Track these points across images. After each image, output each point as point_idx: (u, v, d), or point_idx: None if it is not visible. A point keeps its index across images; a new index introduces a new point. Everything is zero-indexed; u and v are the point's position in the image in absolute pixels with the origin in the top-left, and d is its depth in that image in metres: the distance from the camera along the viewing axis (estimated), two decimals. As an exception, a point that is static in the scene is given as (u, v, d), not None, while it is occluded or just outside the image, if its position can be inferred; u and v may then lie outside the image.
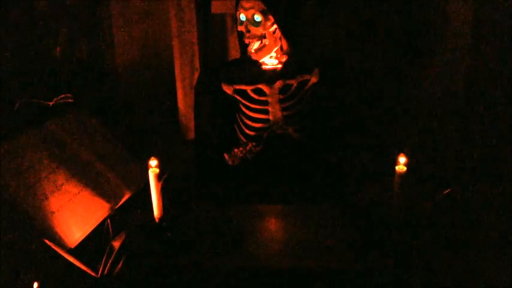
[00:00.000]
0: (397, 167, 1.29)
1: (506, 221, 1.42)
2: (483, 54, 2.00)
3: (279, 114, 1.72)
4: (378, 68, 2.13)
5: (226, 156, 1.73)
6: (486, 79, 2.02)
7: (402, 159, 1.29)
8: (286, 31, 1.66)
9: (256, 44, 1.66)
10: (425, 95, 2.11)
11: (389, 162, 1.32)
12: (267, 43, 1.67)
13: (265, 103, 1.72)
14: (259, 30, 1.65)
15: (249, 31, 1.66)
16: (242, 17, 1.66)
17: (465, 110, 2.06)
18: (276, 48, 1.70)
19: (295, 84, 1.72)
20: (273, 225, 1.47)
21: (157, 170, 1.34)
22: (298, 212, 1.50)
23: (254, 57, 1.69)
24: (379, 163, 1.66)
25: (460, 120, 2.06)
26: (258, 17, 1.64)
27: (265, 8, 1.63)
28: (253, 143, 1.73)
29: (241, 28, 1.68)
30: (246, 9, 1.65)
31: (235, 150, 1.74)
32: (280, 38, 1.69)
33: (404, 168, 1.28)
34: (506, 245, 1.34)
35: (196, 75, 2.08)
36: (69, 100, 1.73)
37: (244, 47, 1.73)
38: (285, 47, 1.70)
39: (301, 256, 1.31)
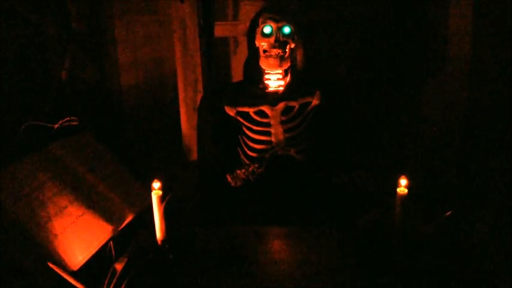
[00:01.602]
0: (398, 189, 1.29)
1: (509, 242, 1.42)
2: (484, 74, 2.01)
3: (281, 136, 1.73)
4: (379, 89, 2.14)
5: (228, 177, 1.74)
6: (487, 99, 2.03)
7: (403, 182, 1.29)
8: (307, 49, 1.68)
9: (278, 52, 1.67)
10: (426, 117, 2.12)
11: (391, 184, 1.32)
12: (286, 56, 1.69)
13: (268, 125, 1.74)
14: (289, 42, 1.68)
15: (278, 40, 1.67)
16: (268, 29, 1.68)
17: (466, 131, 2.07)
18: (285, 68, 1.71)
19: (297, 106, 1.74)
20: (275, 247, 1.46)
21: (160, 192, 1.35)
22: (301, 234, 1.50)
23: (273, 64, 1.68)
24: (380, 185, 1.66)
25: (462, 142, 2.06)
26: (289, 29, 1.67)
27: (292, 23, 1.68)
28: (255, 165, 1.74)
29: (266, 40, 1.69)
30: (277, 21, 1.68)
31: (238, 171, 1.75)
32: (291, 58, 1.71)
33: (406, 191, 1.28)
34: (508, 267, 1.33)
35: (199, 97, 2.10)
36: (74, 123, 1.74)
37: (255, 63, 1.74)
38: (300, 65, 1.72)
39: (303, 278, 1.31)
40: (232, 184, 1.73)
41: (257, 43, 1.72)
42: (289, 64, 1.71)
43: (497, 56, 1.98)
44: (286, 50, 1.69)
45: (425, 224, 1.45)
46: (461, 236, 1.43)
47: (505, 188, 1.75)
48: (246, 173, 1.73)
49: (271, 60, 1.68)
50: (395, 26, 2.08)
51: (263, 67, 1.71)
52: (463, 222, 1.46)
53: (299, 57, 1.73)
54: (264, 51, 1.70)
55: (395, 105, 2.14)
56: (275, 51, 1.67)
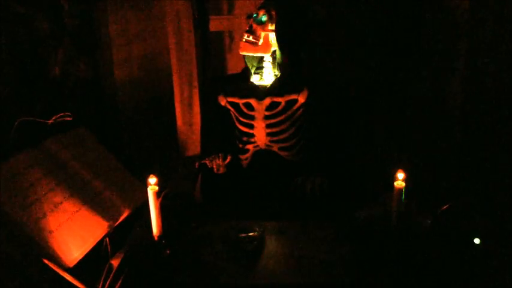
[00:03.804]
0: (395, 183, 1.29)
1: (505, 235, 1.42)
2: (481, 66, 2.01)
3: (263, 130, 1.73)
4: (375, 84, 2.14)
5: (207, 162, 1.72)
6: (485, 92, 2.03)
7: (401, 175, 1.29)
8: (282, 41, 1.69)
9: (249, 37, 1.70)
10: (422, 111, 2.12)
11: (388, 178, 1.32)
12: (259, 43, 1.70)
13: (252, 118, 1.74)
14: (259, 29, 1.70)
15: (250, 27, 1.72)
16: (254, 15, 1.74)
17: (463, 124, 2.07)
18: (267, 56, 1.72)
19: (282, 103, 1.73)
20: (271, 242, 1.46)
21: (156, 188, 1.34)
22: (297, 229, 1.50)
23: (240, 48, 1.72)
24: (377, 179, 1.66)
25: (458, 135, 2.07)
26: (264, 17, 1.70)
27: (273, 13, 1.69)
28: (222, 157, 1.71)
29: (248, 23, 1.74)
30: (258, 9, 1.73)
31: (206, 160, 1.72)
32: (275, 50, 1.71)
33: (403, 184, 1.28)
34: (504, 260, 1.33)
35: (194, 93, 2.10)
36: (68, 118, 1.73)
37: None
38: (278, 58, 1.72)
39: (299, 272, 1.31)
40: (215, 171, 1.71)
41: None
42: (264, 51, 1.71)
43: (495, 50, 1.98)
44: (258, 38, 1.70)
45: (423, 217, 1.45)
46: (458, 230, 1.43)
47: (504, 181, 1.76)
48: (212, 164, 1.71)
49: (240, 44, 1.71)
50: (392, 21, 2.08)
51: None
52: (460, 215, 1.46)
53: (277, 53, 1.73)
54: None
55: (391, 98, 2.14)
56: (244, 35, 1.70)
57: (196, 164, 1.75)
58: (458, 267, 1.31)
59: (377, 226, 1.43)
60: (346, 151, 1.84)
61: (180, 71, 2.11)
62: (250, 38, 1.70)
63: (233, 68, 2.21)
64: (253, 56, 1.74)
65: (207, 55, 2.19)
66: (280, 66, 1.73)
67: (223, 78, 1.95)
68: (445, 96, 2.08)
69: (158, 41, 2.28)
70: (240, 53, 1.73)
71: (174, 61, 2.11)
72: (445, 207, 1.46)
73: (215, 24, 2.12)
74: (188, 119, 2.13)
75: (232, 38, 2.22)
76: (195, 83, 2.11)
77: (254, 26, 1.71)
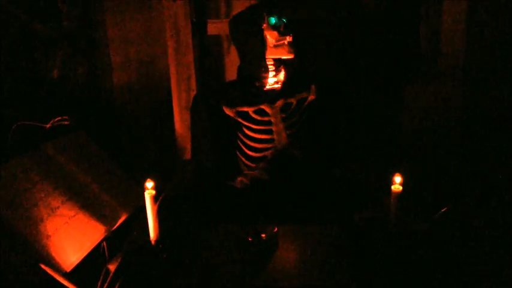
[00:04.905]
0: (393, 187, 1.29)
1: (504, 239, 1.42)
2: (479, 71, 2.01)
3: (283, 133, 1.73)
4: (374, 87, 2.14)
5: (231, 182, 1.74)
6: (484, 93, 2.03)
7: (398, 179, 1.29)
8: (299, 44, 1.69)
9: (291, 39, 1.67)
10: (421, 114, 2.12)
11: (386, 181, 1.32)
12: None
13: (269, 123, 1.73)
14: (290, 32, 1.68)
15: (287, 28, 1.68)
16: (275, 19, 1.69)
17: (462, 127, 2.07)
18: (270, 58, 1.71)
19: (294, 103, 1.74)
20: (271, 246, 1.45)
21: (154, 192, 1.34)
22: (297, 232, 1.49)
23: (287, 51, 1.68)
24: (376, 182, 1.66)
25: (457, 138, 2.07)
26: (285, 21, 1.70)
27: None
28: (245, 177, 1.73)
29: (275, 31, 1.68)
30: (277, 13, 1.69)
31: (240, 178, 1.75)
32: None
33: (400, 188, 1.28)
34: (503, 265, 1.33)
35: (192, 96, 2.09)
36: (66, 122, 1.73)
37: (256, 59, 1.72)
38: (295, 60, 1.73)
39: (300, 277, 1.30)
40: (238, 186, 1.72)
41: (267, 34, 1.70)
42: (291, 56, 1.71)
43: (492, 49, 1.98)
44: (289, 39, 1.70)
45: (421, 220, 1.45)
46: (457, 233, 1.43)
47: (504, 182, 1.75)
48: (247, 180, 1.73)
49: (286, 48, 1.68)
50: (388, 23, 2.08)
51: (278, 57, 1.70)
52: (459, 218, 1.46)
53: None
54: (274, 41, 1.69)
55: (390, 101, 2.14)
56: (289, 38, 1.67)
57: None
58: (456, 269, 1.30)
59: (376, 229, 1.42)
60: (346, 153, 1.84)
61: (178, 74, 2.10)
62: (292, 39, 1.68)
63: (231, 71, 2.21)
64: (263, 60, 1.72)
65: (206, 59, 2.19)
66: (286, 67, 1.73)
67: (217, 88, 1.91)
68: (445, 97, 2.08)
69: (156, 44, 2.28)
70: (279, 56, 1.70)
71: (172, 64, 2.11)
72: (443, 209, 1.45)
73: (213, 27, 2.12)
74: (186, 122, 2.12)
75: (230, 42, 2.21)
76: (193, 86, 2.11)
77: (285, 29, 1.69)
